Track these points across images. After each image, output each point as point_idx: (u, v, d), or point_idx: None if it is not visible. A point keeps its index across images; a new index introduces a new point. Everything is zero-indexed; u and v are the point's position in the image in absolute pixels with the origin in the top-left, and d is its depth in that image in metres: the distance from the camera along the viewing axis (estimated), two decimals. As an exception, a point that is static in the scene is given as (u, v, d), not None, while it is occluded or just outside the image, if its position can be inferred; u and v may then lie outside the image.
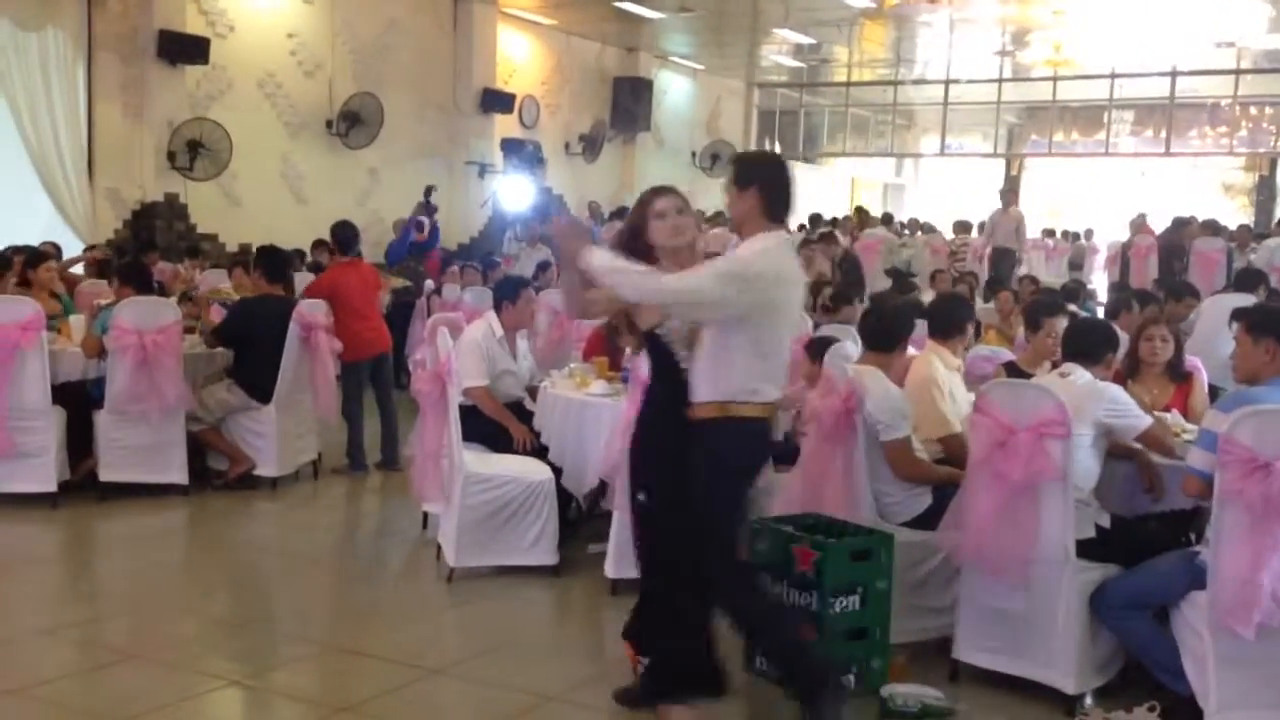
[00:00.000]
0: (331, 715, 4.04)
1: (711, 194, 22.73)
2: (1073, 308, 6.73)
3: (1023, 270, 15.42)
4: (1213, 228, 15.77)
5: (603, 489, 5.66)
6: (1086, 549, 4.09)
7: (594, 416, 5.63)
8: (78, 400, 6.52)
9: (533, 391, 6.21)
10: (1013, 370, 5.39)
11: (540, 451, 5.71)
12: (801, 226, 17.19)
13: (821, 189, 26.72)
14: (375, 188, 15.32)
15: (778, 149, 25.48)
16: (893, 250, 17.38)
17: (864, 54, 21.55)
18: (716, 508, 3.70)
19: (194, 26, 12.97)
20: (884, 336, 4.87)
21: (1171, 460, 4.37)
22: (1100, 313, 9.84)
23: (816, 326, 7.09)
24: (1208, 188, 26.42)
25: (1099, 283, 17.58)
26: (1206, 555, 3.81)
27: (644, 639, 4.05)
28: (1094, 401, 4.22)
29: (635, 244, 3.85)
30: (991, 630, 4.21)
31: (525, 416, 5.97)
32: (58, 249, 10.19)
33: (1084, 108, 23.59)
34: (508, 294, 6.16)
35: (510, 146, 17.95)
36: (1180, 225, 15.79)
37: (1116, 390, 4.38)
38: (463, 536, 5.36)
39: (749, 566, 3.96)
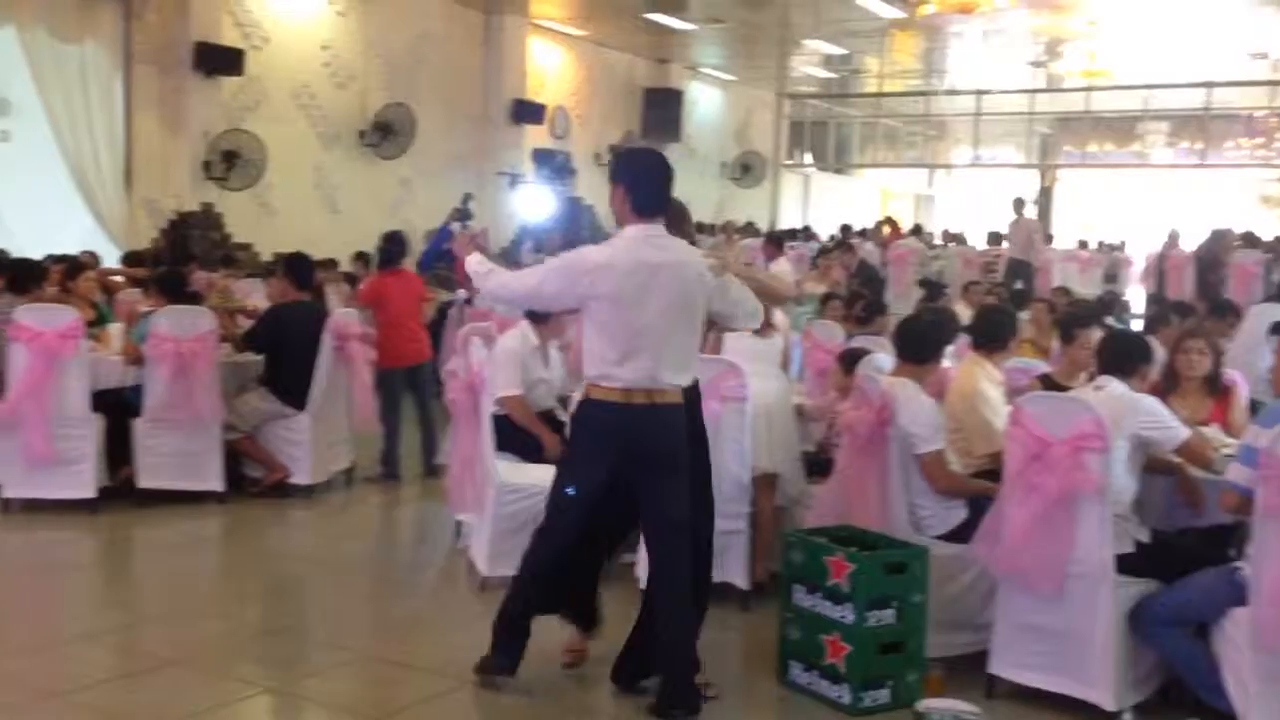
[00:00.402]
0: (366, 723, 4.07)
1: (742, 205, 22.76)
2: (1109, 320, 6.68)
3: (1056, 280, 15.29)
4: (1250, 240, 15.60)
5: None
6: (1125, 564, 4.05)
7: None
8: (116, 408, 6.59)
9: (564, 401, 6.22)
10: (1048, 383, 5.35)
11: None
12: (832, 237, 17.16)
13: (851, 200, 26.68)
14: (407, 198, 15.41)
15: (808, 159, 25.49)
16: (924, 261, 17.31)
17: (895, 64, 21.51)
18: (561, 473, 4.13)
19: (229, 38, 13.11)
20: (919, 348, 4.84)
21: (1211, 474, 4.33)
22: (1136, 325, 9.76)
23: (849, 338, 7.09)
24: (1245, 199, 26.18)
25: (1134, 295, 17.43)
26: (1247, 571, 3.77)
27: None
28: (1130, 413, 4.19)
29: None
30: (1029, 645, 4.18)
31: (557, 426, 5.98)
32: (95, 258, 10.32)
33: (1118, 118, 23.42)
34: None
35: (541, 157, 18.01)
36: (1217, 238, 15.64)
37: (1153, 402, 4.34)
38: (495, 546, 5.37)
39: (559, 533, 4.13)
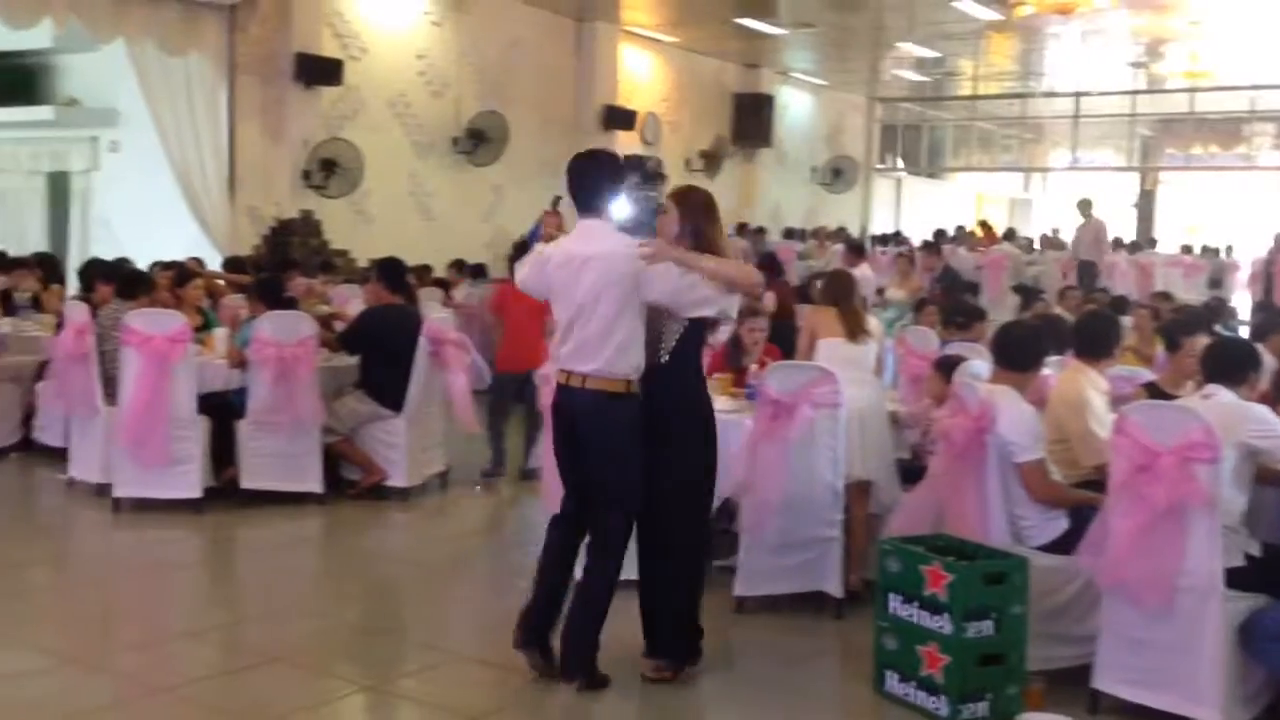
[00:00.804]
0: (457, 722, 4.13)
1: (833, 210, 22.59)
2: (1215, 327, 6.50)
3: (1158, 285, 14.91)
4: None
5: (727, 505, 5.65)
6: (1235, 578, 3.94)
7: (718, 433, 5.62)
8: (221, 410, 6.77)
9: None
10: (1154, 391, 5.23)
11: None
12: (925, 242, 16.95)
13: (945, 204, 26.32)
14: (500, 204, 15.58)
15: (900, 164, 25.22)
16: (1019, 267, 17.01)
17: (990, 66, 21.16)
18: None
19: (329, 49, 13.38)
20: (1019, 355, 4.75)
21: (1326, 486, 4.20)
22: (1243, 332, 9.47)
23: (943, 344, 7.00)
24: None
25: (1240, 301, 16.92)
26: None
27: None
28: (1239, 422, 4.07)
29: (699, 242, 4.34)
30: (1134, 660, 4.08)
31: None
32: (201, 264, 10.61)
33: (1223, 120, 22.80)
34: None
35: (631, 163, 18.06)
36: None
37: (1263, 410, 4.21)
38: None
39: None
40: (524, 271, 4.54)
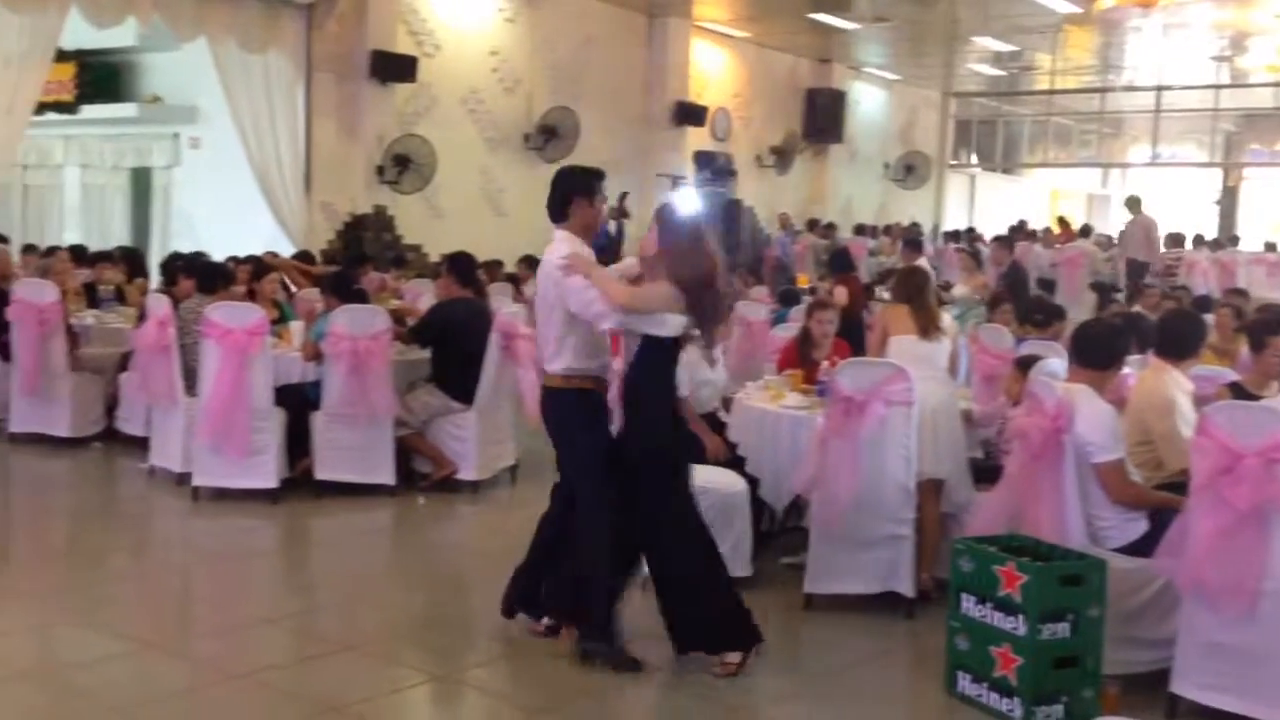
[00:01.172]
0: (530, 716, 4.15)
1: (905, 206, 22.36)
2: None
3: (1240, 282, 14.54)
4: None
5: (797, 502, 5.63)
6: (1322, 583, 3.83)
7: (789, 429, 5.61)
8: (296, 402, 6.87)
9: (727, 403, 6.22)
10: (1238, 391, 5.10)
11: (735, 463, 5.71)
12: (996, 237, 16.71)
13: (1020, 200, 25.92)
14: (570, 200, 15.64)
15: (974, 160, 24.88)
16: (1097, 264, 16.69)
17: (1068, 60, 20.79)
18: None
19: (404, 46, 13.54)
20: (1098, 354, 4.65)
21: None
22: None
23: (1018, 342, 6.89)
24: None
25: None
26: None
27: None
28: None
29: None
30: (1214, 665, 3.99)
31: (718, 427, 5.98)
32: (276, 257, 10.79)
33: (1310, 114, 22.18)
34: None
35: (702, 159, 18.06)
36: None
37: (1352, 412, 4.09)
38: (657, 545, 5.40)
39: None
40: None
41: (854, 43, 19.29)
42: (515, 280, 11.92)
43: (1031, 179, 27.65)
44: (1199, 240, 18.27)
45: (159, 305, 7.07)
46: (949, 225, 22.73)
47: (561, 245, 4.46)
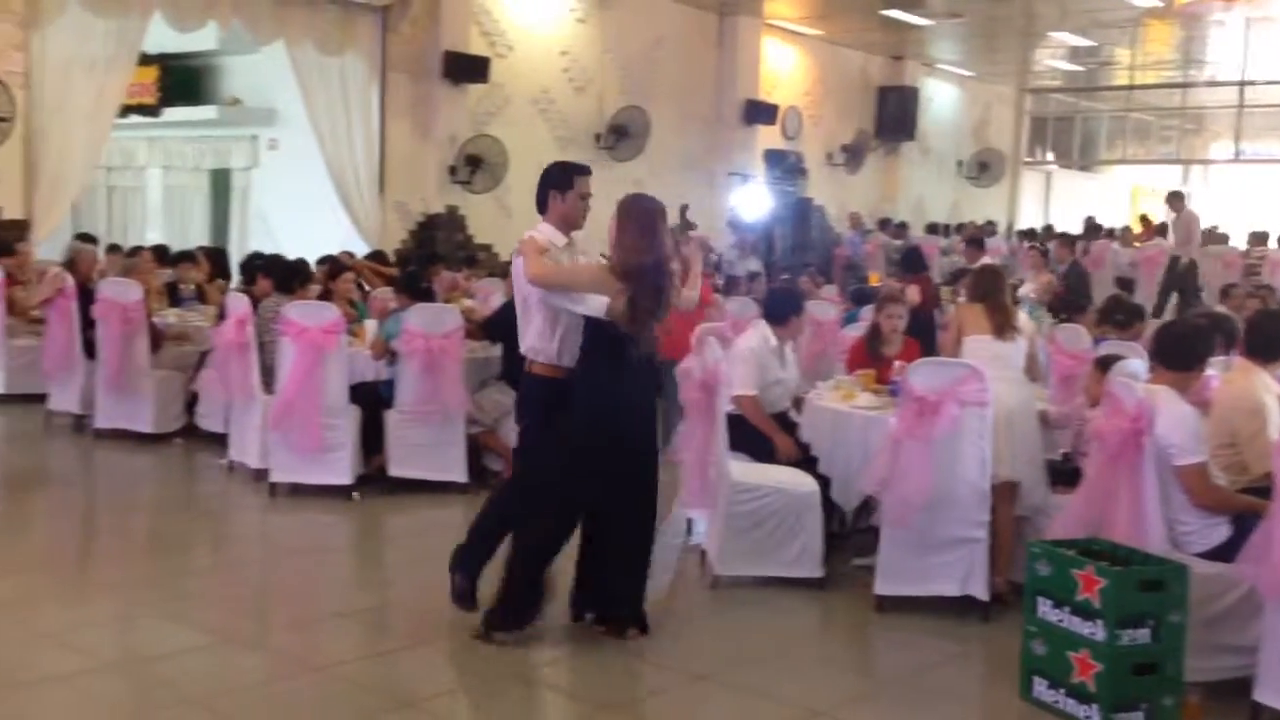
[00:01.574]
0: (595, 712, 4.17)
1: (979, 204, 22.07)
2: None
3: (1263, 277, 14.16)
4: None
5: (870, 504, 5.58)
6: None
7: (861, 429, 5.57)
8: (370, 400, 6.96)
9: (798, 403, 6.19)
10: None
11: (806, 463, 5.68)
12: (1061, 234, 16.45)
13: (1097, 198, 25.45)
14: (640, 199, 15.65)
15: (1050, 157, 24.48)
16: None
17: (1148, 55, 20.38)
18: None
19: (476, 47, 13.67)
20: (1182, 355, 4.55)
21: None
22: None
23: (1097, 342, 6.77)
24: None
25: None
26: None
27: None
28: None
29: None
30: (1300, 674, 3.88)
31: (789, 427, 5.96)
32: (352, 257, 10.95)
33: (1401, 108, 21.50)
34: (793, 308, 6.17)
35: (772, 157, 17.99)
36: None
37: None
38: (727, 545, 5.40)
39: None
40: None
41: (927, 39, 19.09)
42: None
43: (1110, 176, 27.13)
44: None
45: (238, 304, 7.21)
46: (1023, 224, 22.39)
47: (531, 233, 4.69)
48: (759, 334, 5.96)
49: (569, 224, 4.74)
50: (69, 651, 4.45)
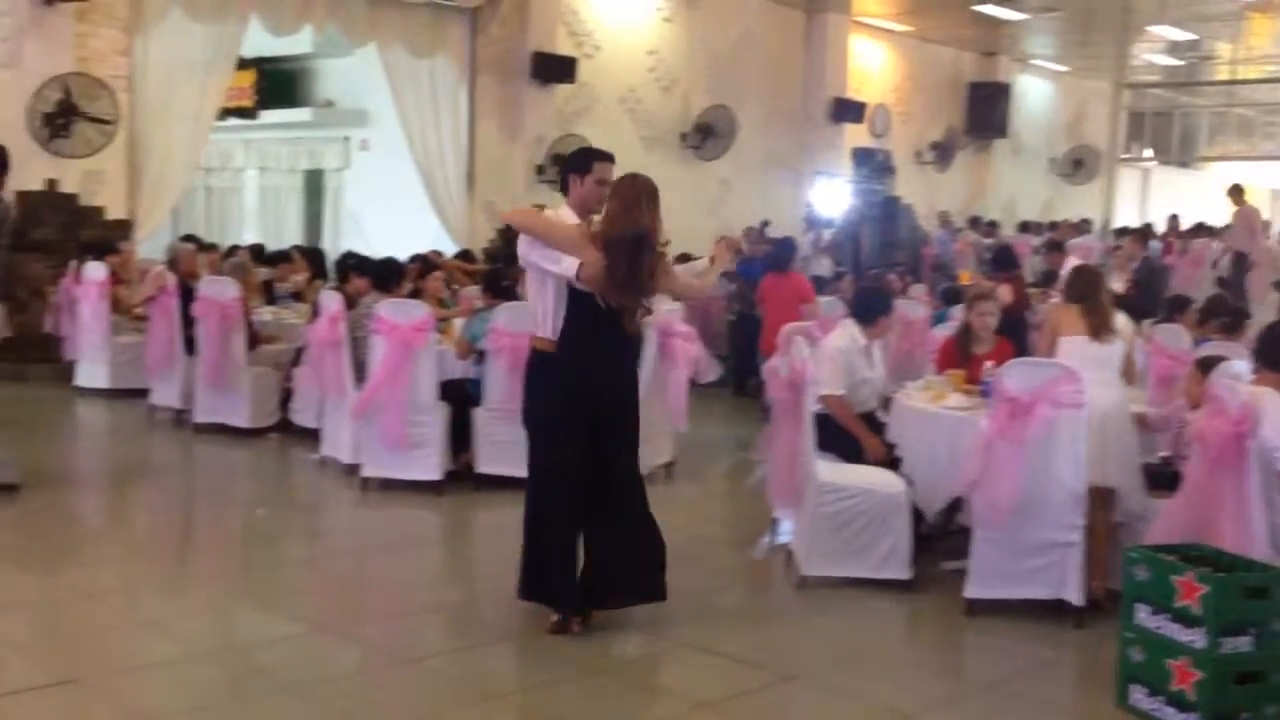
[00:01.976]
0: (689, 711, 4.16)
1: (1073, 202, 21.61)
2: None
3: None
4: None
5: (958, 504, 5.50)
6: None
7: (951, 430, 5.49)
8: (459, 397, 7.04)
9: (886, 402, 6.13)
10: None
11: (894, 464, 5.62)
12: (1133, 230, 16.05)
13: (1197, 196, 24.75)
14: (726, 198, 15.62)
15: (1148, 153, 23.89)
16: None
17: (1252, 49, 19.77)
18: None
19: (564, 48, 13.75)
20: (1288, 355, 4.42)
21: None
22: None
23: (1197, 343, 6.59)
24: None
25: None
26: None
27: None
28: None
29: None
30: None
31: (878, 427, 5.90)
32: (440, 255, 11.09)
33: None
34: (882, 308, 6.12)
35: (860, 156, 17.81)
36: None
37: None
38: (814, 545, 5.36)
39: None
40: None
41: (1020, 34, 18.74)
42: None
43: (1210, 173, 26.37)
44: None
45: (331, 301, 7.34)
46: (1119, 221, 21.88)
47: (549, 212, 4.87)
48: (847, 333, 5.91)
49: (586, 208, 4.76)
50: (168, 639, 4.58)
